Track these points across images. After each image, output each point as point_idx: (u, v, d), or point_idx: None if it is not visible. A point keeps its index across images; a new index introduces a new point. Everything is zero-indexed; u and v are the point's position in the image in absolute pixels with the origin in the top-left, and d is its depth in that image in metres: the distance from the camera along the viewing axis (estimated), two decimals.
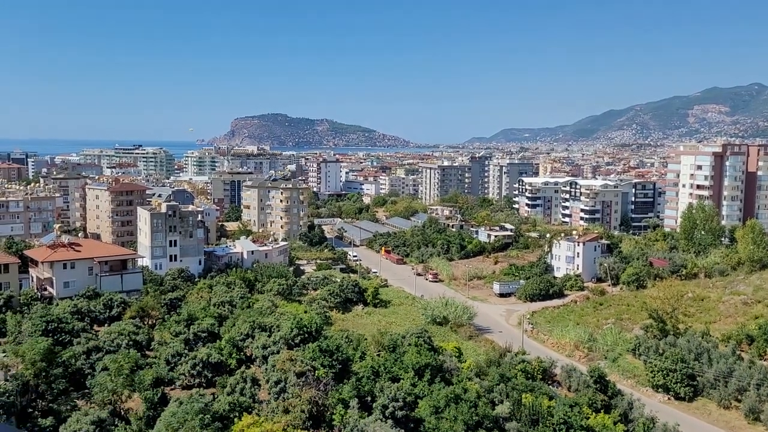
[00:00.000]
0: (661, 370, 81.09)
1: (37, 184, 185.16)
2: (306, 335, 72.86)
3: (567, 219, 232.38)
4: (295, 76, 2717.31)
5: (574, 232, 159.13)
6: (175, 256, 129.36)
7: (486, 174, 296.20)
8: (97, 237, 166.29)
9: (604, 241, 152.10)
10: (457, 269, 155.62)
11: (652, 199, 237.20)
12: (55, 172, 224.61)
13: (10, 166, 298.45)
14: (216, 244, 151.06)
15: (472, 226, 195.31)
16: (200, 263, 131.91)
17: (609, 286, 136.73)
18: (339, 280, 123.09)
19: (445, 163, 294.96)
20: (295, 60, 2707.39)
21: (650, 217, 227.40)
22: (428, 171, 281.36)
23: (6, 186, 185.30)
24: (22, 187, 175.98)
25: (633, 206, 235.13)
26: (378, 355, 71.54)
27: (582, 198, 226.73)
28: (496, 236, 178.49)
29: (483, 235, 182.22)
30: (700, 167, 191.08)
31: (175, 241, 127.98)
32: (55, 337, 74.02)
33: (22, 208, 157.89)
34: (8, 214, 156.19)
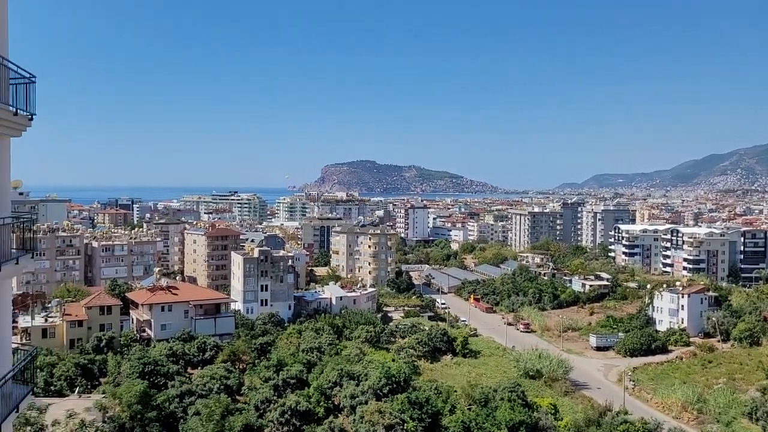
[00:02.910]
0: None
1: (140, 229, 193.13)
2: (394, 385, 71.39)
3: (668, 269, 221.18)
4: (383, 124, 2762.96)
5: (678, 283, 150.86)
6: (266, 300, 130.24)
7: (579, 221, 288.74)
8: (194, 280, 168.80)
9: (711, 293, 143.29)
10: (550, 320, 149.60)
11: (763, 249, 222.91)
12: (156, 218, 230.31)
13: (117, 211, 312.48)
14: (305, 289, 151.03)
15: (565, 275, 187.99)
16: (290, 308, 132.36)
17: (718, 342, 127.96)
18: (427, 329, 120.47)
19: (536, 209, 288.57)
20: (384, 107, 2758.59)
21: (762, 268, 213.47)
22: (518, 217, 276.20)
23: (113, 230, 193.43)
24: (126, 232, 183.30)
25: (742, 256, 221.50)
26: (469, 409, 69.06)
27: (685, 247, 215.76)
28: (591, 286, 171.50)
29: (577, 285, 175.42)
30: None
31: (267, 285, 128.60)
32: (151, 380, 75.47)
33: (126, 252, 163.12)
34: (114, 257, 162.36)
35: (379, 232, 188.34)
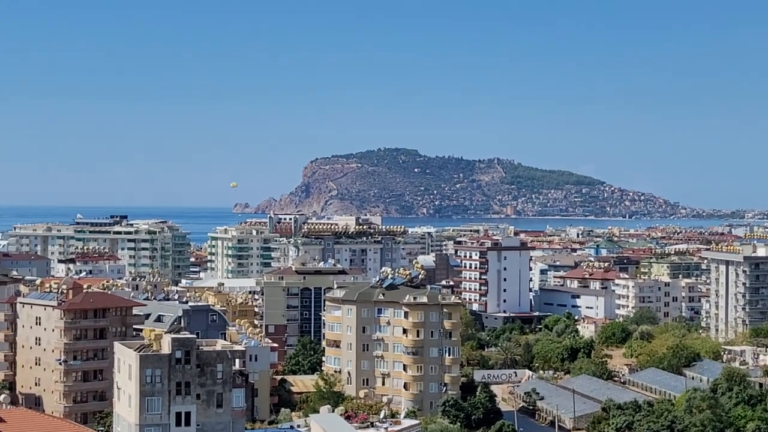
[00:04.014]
0: None
1: None
2: None
3: None
4: (429, 84, 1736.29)
5: None
6: None
7: None
8: (37, 402, 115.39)
9: None
10: None
11: None
12: None
13: None
14: (270, 421, 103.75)
15: None
16: None
17: None
18: None
19: (761, 253, 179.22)
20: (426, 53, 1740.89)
21: None
22: (721, 267, 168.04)
23: None
24: None
25: None
26: None
27: None
28: None
29: None
30: None
31: (189, 413, 78.00)
32: None
33: None
34: None
35: (425, 300, 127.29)
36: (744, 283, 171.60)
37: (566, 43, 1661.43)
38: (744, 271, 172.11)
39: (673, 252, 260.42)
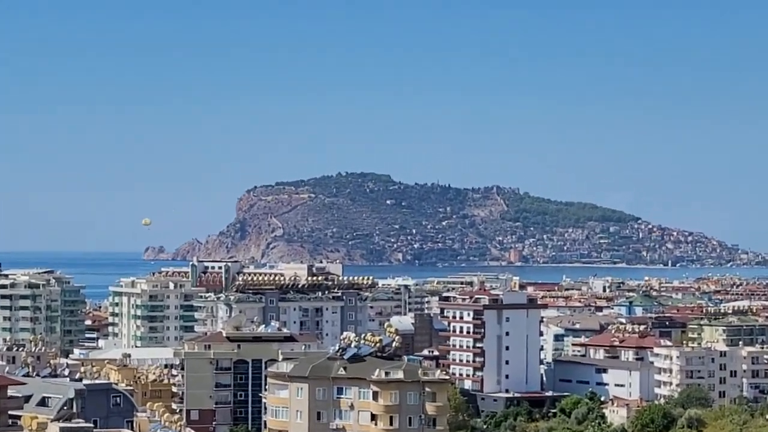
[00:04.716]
0: None
1: None
2: None
3: None
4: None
5: None
6: None
7: None
8: None
9: None
10: None
11: None
12: None
13: None
14: None
15: None
16: None
17: None
18: None
19: None
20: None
21: None
22: None
23: None
24: None
25: None
26: None
27: None
28: None
29: None
30: None
31: None
32: None
33: None
34: None
35: (401, 376, 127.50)
36: None
37: (589, 34, 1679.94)
38: None
39: (731, 311, 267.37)
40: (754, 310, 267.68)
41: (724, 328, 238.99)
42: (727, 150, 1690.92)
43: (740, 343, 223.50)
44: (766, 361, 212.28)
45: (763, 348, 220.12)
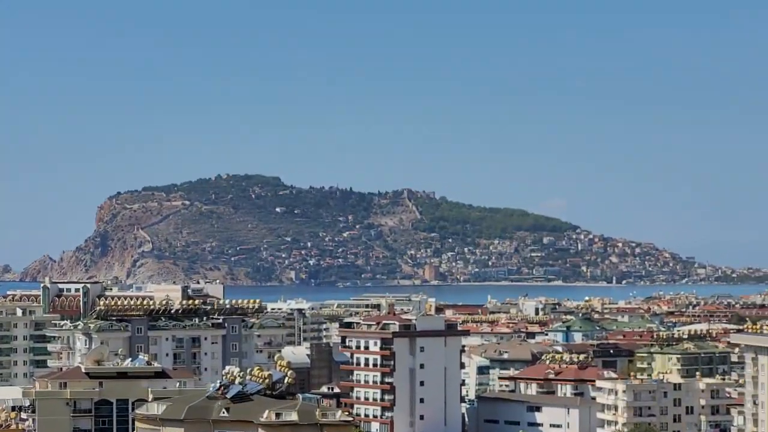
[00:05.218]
0: None
1: None
2: None
3: None
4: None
5: None
6: None
7: None
8: None
9: None
10: None
11: None
12: None
13: None
14: None
15: None
16: None
17: None
18: None
19: None
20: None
21: None
22: (761, 360, 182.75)
23: None
24: None
25: None
26: None
27: None
28: None
29: None
30: None
31: None
32: None
33: None
34: None
35: (295, 418, 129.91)
36: None
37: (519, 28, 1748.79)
38: None
39: (686, 336, 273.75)
40: (714, 335, 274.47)
41: (679, 356, 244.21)
42: (682, 151, 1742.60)
43: (697, 373, 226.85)
44: (727, 395, 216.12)
45: (723, 379, 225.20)
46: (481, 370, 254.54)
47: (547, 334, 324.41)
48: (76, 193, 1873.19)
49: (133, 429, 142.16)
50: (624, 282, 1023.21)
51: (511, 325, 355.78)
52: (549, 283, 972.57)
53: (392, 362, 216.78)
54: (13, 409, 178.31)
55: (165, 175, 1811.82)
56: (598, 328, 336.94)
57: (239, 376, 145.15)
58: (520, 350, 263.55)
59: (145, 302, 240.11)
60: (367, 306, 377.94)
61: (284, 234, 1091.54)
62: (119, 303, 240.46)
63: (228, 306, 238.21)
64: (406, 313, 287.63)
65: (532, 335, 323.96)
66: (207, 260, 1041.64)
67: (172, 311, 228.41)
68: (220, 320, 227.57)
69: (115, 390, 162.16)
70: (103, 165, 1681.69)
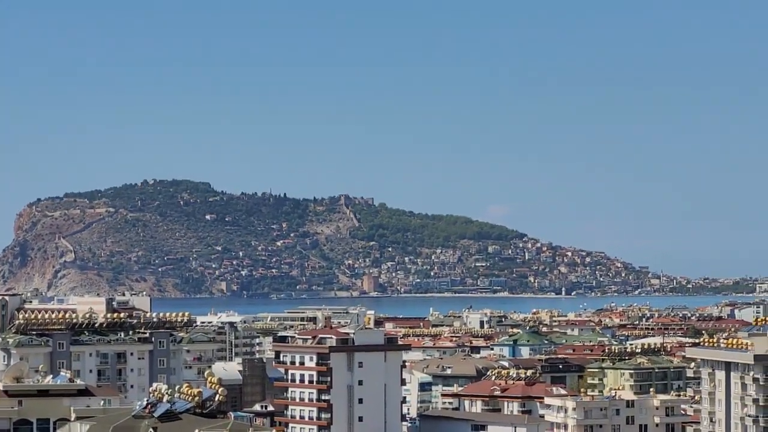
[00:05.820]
0: None
1: None
2: None
3: None
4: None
5: None
6: None
7: None
8: None
9: None
10: None
11: None
12: None
13: None
14: None
15: None
16: None
17: None
18: None
19: None
20: None
21: None
22: (718, 375, 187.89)
23: None
24: None
25: None
26: None
27: None
28: None
29: None
30: None
31: None
32: None
33: None
34: None
35: None
36: (756, 400, 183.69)
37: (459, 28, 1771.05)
38: (756, 380, 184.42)
39: (639, 349, 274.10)
40: (668, 349, 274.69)
41: (632, 371, 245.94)
42: (633, 156, 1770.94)
43: (651, 389, 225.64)
44: (682, 412, 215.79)
45: (679, 396, 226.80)
46: (423, 387, 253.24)
47: (492, 349, 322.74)
48: None
49: None
50: (574, 293, 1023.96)
51: (454, 339, 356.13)
52: (494, 295, 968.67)
53: (329, 378, 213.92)
54: None
55: (88, 180, 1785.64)
56: (546, 342, 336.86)
57: (167, 393, 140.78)
58: (465, 365, 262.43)
59: (67, 315, 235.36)
60: (302, 319, 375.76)
61: (214, 243, 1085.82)
62: (40, 316, 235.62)
63: (155, 319, 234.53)
64: (343, 326, 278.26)
65: (476, 350, 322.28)
66: (133, 271, 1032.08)
67: (96, 325, 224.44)
68: (147, 334, 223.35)
69: (36, 409, 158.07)
70: (21, 169, 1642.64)
